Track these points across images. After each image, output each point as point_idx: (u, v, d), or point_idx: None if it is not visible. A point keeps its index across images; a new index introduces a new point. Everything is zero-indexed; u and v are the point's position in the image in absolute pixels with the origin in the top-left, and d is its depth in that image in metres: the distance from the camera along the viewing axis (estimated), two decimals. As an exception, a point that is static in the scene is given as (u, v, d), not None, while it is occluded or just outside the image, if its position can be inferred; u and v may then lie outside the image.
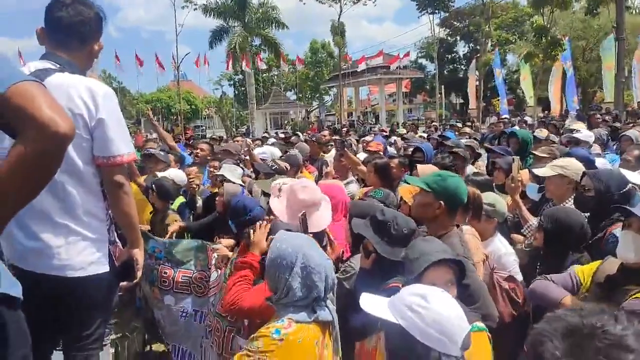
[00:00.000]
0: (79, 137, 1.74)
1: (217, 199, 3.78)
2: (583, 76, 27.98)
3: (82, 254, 1.79)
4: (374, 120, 31.53)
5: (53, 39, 1.84)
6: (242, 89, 33.74)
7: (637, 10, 29.96)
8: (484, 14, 24.14)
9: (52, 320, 1.80)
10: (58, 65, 1.79)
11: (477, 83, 25.67)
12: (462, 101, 36.66)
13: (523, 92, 26.42)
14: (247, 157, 5.44)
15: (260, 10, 26.50)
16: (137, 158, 1.88)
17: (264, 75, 35.99)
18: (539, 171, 3.31)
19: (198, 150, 5.57)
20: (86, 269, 1.80)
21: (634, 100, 18.90)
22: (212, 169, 4.81)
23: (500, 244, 2.94)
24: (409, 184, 2.88)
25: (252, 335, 1.82)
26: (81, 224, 1.79)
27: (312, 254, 1.83)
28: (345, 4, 20.87)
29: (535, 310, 2.44)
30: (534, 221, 3.14)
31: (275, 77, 38.24)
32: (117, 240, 1.99)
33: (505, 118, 13.15)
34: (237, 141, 9.08)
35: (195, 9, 21.36)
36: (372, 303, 1.57)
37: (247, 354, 1.73)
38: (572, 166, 3.13)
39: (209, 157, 5.39)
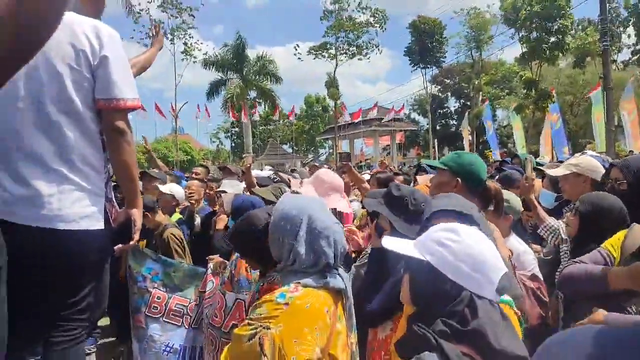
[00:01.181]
0: (80, 74, 1.62)
1: (216, 215, 3.62)
2: (573, 129, 28.68)
3: (75, 205, 1.61)
4: (369, 171, 31.76)
5: None
6: (239, 141, 34.17)
7: (620, 67, 31.29)
8: (474, 68, 25.06)
9: (36, 287, 1.59)
10: None
11: (470, 137, 26.19)
12: (455, 155, 37.26)
13: (514, 146, 26.97)
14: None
15: (258, 64, 27.38)
16: (140, 105, 1.73)
17: (261, 127, 36.61)
18: (554, 171, 3.19)
19: (193, 174, 5.45)
20: (79, 222, 1.61)
21: (626, 149, 19.28)
22: (209, 190, 4.66)
23: (517, 243, 2.79)
24: (420, 170, 2.78)
25: (255, 303, 1.61)
26: (77, 172, 1.63)
27: (318, 217, 1.65)
28: (341, 60, 21.64)
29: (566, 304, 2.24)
30: (550, 221, 3.00)
31: (272, 130, 38.89)
32: (114, 198, 1.82)
33: (498, 162, 13.24)
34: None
35: (195, 62, 22.01)
36: (395, 243, 1.37)
37: (248, 322, 1.50)
38: (586, 163, 3.02)
39: (205, 180, 5.26)
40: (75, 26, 1.62)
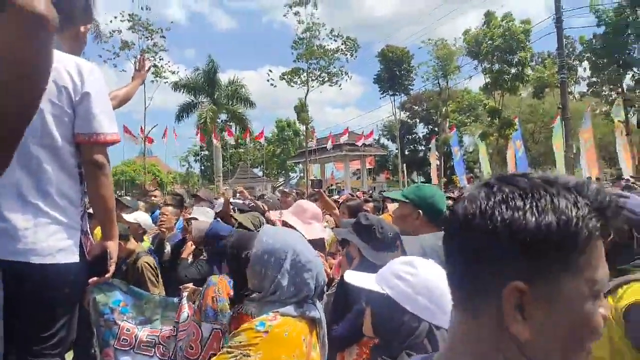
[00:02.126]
0: (61, 110, 1.65)
1: (187, 240, 3.61)
2: (534, 156, 29.85)
3: (50, 239, 1.61)
4: (338, 196, 31.98)
5: None
6: (209, 164, 33.86)
7: (577, 98, 32.99)
8: (441, 96, 25.89)
9: (9, 320, 1.58)
10: None
11: (438, 162, 26.85)
12: (423, 180, 38.01)
13: (480, 170, 27.85)
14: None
15: (230, 88, 27.45)
16: (120, 139, 1.77)
17: (231, 151, 36.45)
18: None
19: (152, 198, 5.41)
20: (54, 256, 1.61)
21: (582, 176, 20.19)
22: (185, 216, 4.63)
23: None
24: (388, 198, 2.90)
25: (234, 331, 1.65)
26: (53, 206, 1.64)
27: (303, 250, 1.70)
28: (313, 86, 21.98)
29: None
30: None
31: (243, 153, 38.75)
32: (89, 231, 1.83)
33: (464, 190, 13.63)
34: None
35: (166, 83, 21.85)
36: (357, 277, 1.47)
37: (227, 350, 1.54)
38: None
39: (161, 204, 5.24)
40: (57, 63, 1.66)
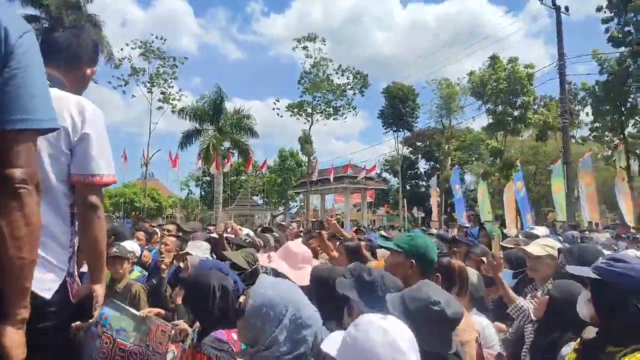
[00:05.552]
0: (58, 150, 1.64)
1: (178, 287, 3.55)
2: (535, 198, 29.80)
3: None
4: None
5: (47, 58, 1.82)
6: (209, 189, 33.90)
7: (579, 141, 33.19)
8: (444, 134, 26.13)
9: None
10: (49, 82, 1.75)
11: (439, 199, 26.85)
12: (423, 215, 37.87)
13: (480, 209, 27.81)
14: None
15: (235, 117, 27.80)
16: (117, 180, 1.75)
17: (232, 178, 36.57)
18: (530, 248, 3.21)
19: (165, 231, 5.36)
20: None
21: (584, 221, 20.09)
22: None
23: (478, 317, 2.85)
24: (379, 246, 2.88)
25: None
26: (42, 247, 1.58)
27: (303, 305, 1.65)
28: (317, 120, 22.21)
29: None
30: (520, 301, 3.05)
31: (244, 181, 38.87)
32: (76, 274, 1.77)
33: (466, 227, 13.53)
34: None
35: (174, 111, 22.14)
36: (330, 339, 1.49)
37: None
38: (557, 247, 3.14)
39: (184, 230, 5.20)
40: (59, 102, 1.65)
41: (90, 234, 1.71)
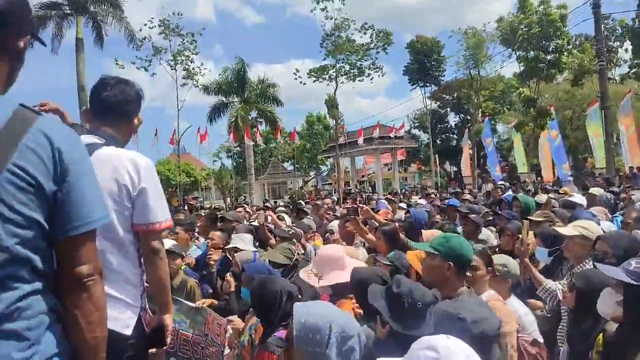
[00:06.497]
0: (122, 205, 1.86)
1: (227, 276, 3.77)
2: (572, 143, 28.87)
3: (111, 311, 1.79)
4: (370, 188, 31.91)
5: (99, 117, 2.00)
6: (241, 160, 34.40)
7: (618, 80, 31.57)
8: (472, 87, 25.35)
9: None
10: (104, 140, 1.94)
11: (471, 152, 26.38)
12: (455, 169, 37.39)
13: (515, 159, 27.21)
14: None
15: (260, 87, 27.72)
16: (172, 225, 1.97)
17: (262, 147, 36.89)
18: (563, 230, 3.29)
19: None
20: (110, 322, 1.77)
21: (625, 165, 19.45)
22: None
23: (517, 304, 2.95)
24: (415, 249, 2.95)
25: None
26: (118, 289, 1.83)
27: (342, 320, 1.81)
28: (342, 82, 21.84)
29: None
30: (547, 283, 3.16)
31: (273, 149, 39.16)
32: (148, 306, 2.01)
33: (502, 184, 13.40)
34: (239, 211, 9.19)
35: (196, 86, 22.29)
36: None
37: None
38: (593, 228, 3.18)
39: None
40: (116, 162, 1.86)
41: (155, 275, 1.96)
